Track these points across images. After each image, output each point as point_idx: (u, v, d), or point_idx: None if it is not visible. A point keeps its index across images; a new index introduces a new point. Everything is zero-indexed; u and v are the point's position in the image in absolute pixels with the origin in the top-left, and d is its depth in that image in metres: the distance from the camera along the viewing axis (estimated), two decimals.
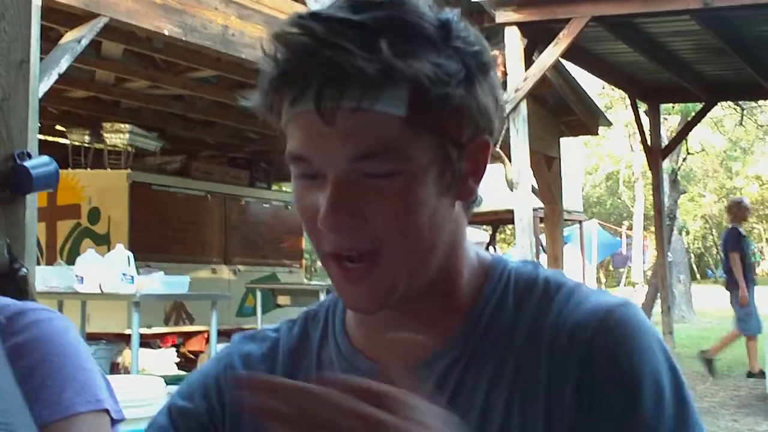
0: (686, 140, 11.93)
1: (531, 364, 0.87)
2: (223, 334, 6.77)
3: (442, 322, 0.92)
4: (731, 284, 8.86)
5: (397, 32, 0.81)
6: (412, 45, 0.81)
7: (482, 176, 0.90)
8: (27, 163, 2.78)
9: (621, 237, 27.11)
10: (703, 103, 10.20)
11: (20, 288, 2.68)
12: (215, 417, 0.96)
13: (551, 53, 6.82)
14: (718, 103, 11.07)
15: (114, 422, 1.09)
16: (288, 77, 0.82)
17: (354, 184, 0.82)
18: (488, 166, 0.91)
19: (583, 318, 0.87)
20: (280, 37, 0.82)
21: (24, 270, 2.71)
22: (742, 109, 15.14)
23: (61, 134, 9.19)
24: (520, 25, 6.92)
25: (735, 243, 8.83)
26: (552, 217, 9.70)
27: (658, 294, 10.35)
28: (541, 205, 9.71)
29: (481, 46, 0.87)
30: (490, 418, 0.87)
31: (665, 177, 11.55)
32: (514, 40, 6.90)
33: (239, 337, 1.03)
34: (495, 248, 14.95)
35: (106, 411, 1.07)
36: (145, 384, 4.47)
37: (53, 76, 4.36)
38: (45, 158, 2.91)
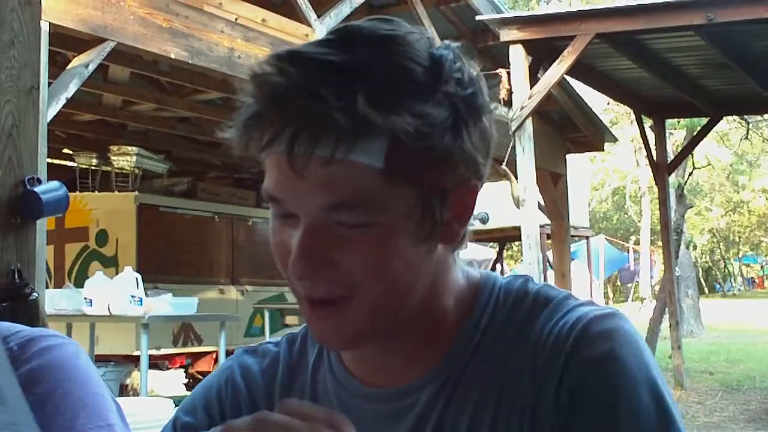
0: (692, 155, 11.88)
1: (516, 382, 0.85)
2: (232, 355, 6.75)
3: (428, 349, 0.90)
4: None
5: (381, 78, 0.76)
6: (395, 93, 0.77)
7: (468, 219, 0.86)
8: (37, 189, 2.79)
9: (628, 252, 27.04)
10: (709, 118, 10.18)
11: (31, 312, 2.70)
12: None
13: (556, 70, 6.84)
14: (724, 118, 11.06)
15: None
16: (263, 119, 0.78)
17: (326, 232, 0.79)
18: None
19: (564, 330, 0.84)
20: (256, 77, 0.78)
21: (35, 294, 2.73)
22: (748, 123, 15.09)
23: (69, 157, 9.23)
24: (525, 43, 6.94)
25: None
26: (559, 233, 9.69)
27: (667, 309, 10.30)
28: (548, 221, 9.70)
29: (475, 88, 0.82)
30: None
31: (672, 191, 11.51)
32: (518, 58, 6.92)
33: (241, 351, 1.05)
34: (502, 265, 14.93)
35: None
36: (154, 405, 4.46)
37: (61, 101, 4.36)
38: (55, 183, 2.93)
